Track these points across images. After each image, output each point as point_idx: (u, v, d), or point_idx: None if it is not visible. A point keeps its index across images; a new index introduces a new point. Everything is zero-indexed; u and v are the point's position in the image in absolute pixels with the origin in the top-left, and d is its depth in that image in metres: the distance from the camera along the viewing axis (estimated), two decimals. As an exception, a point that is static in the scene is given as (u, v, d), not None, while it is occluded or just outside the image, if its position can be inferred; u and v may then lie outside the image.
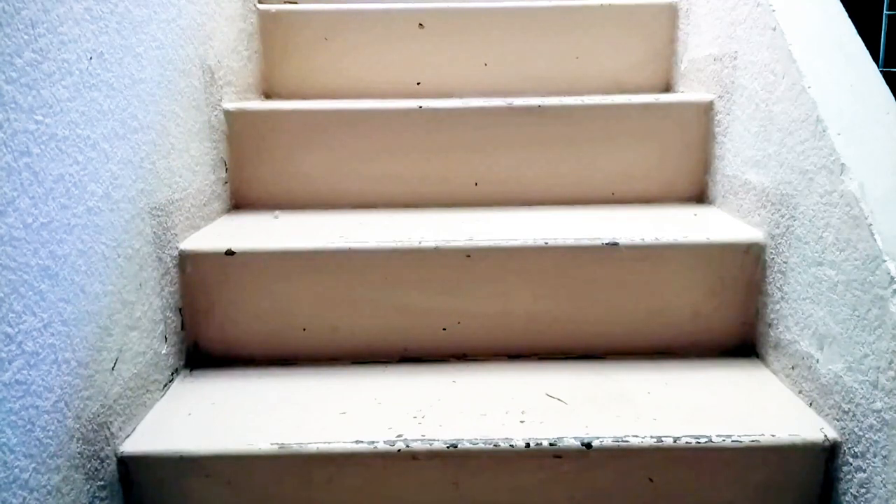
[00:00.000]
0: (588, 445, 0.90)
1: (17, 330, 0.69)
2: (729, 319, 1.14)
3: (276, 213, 1.34)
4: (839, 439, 0.90)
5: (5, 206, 0.67)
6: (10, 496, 0.68)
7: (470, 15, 1.58)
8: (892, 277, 0.81)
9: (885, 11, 1.90)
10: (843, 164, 0.91)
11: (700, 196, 1.38)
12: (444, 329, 1.13)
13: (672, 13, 1.55)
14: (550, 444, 0.90)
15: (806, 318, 0.99)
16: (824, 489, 0.92)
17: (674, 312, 1.13)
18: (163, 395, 1.02)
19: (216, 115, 1.30)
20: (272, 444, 0.90)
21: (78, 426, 0.80)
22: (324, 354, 1.13)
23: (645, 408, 0.98)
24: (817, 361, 0.96)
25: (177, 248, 1.09)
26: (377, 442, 0.90)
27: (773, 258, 1.09)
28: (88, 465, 0.82)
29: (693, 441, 0.90)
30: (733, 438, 0.90)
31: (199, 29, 1.21)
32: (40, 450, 0.73)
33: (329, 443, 0.90)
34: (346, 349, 1.13)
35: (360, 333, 1.13)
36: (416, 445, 0.90)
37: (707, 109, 1.35)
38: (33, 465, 0.71)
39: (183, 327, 1.11)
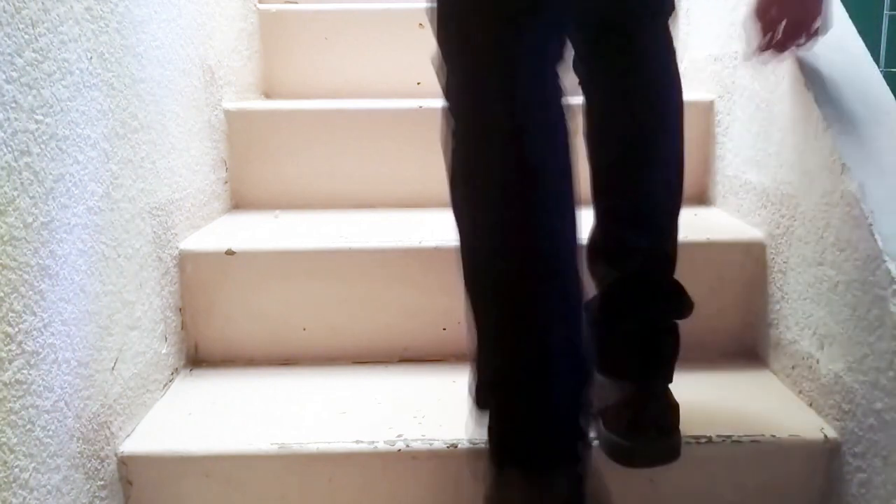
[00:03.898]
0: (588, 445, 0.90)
1: (16, 329, 0.69)
2: (729, 319, 1.14)
3: (276, 212, 1.34)
4: (839, 439, 0.90)
5: (5, 206, 0.67)
6: (10, 496, 0.68)
7: (470, 15, 1.58)
8: (893, 277, 0.81)
9: (885, 11, 1.90)
10: (843, 165, 0.91)
11: (700, 196, 1.38)
12: (444, 329, 1.13)
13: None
14: (550, 444, 0.90)
15: (806, 318, 0.99)
16: (824, 489, 0.92)
17: (674, 312, 1.13)
18: (163, 395, 1.02)
19: (216, 115, 1.30)
20: (272, 444, 0.90)
21: (78, 426, 0.80)
22: (324, 354, 1.13)
23: (645, 408, 0.98)
24: (817, 361, 0.96)
25: (177, 247, 1.09)
26: (377, 442, 0.90)
27: (774, 258, 1.09)
28: (88, 465, 0.82)
29: (693, 441, 0.90)
30: (733, 438, 0.90)
31: (199, 28, 1.21)
32: (40, 449, 0.72)
33: (329, 443, 0.90)
34: (346, 349, 1.13)
35: (360, 333, 1.13)
36: (416, 445, 0.90)
37: (707, 109, 1.35)
38: (33, 464, 0.71)
39: (183, 327, 1.11)
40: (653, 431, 0.83)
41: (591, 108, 0.89)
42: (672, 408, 0.84)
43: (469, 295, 0.75)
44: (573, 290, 0.74)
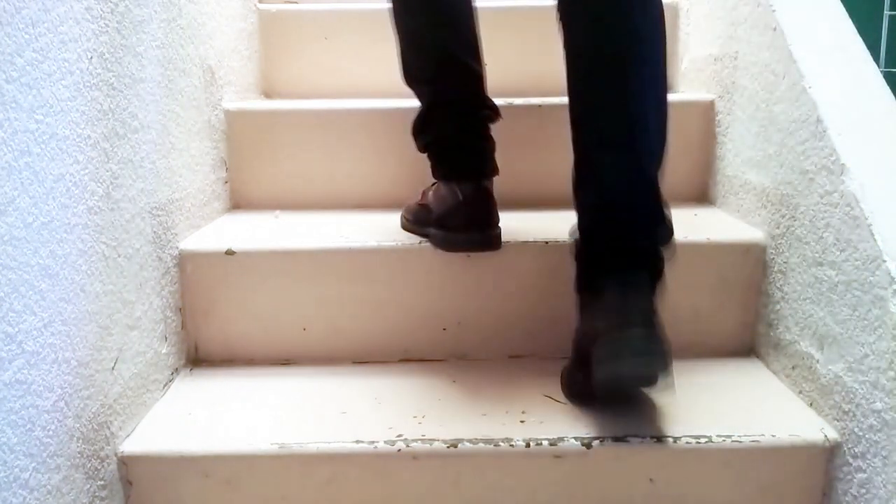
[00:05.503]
0: (588, 445, 0.90)
1: (17, 329, 0.69)
2: (729, 320, 1.14)
3: (276, 212, 1.34)
4: (839, 439, 0.90)
5: (6, 206, 0.67)
6: (10, 495, 0.68)
7: (470, 15, 1.57)
8: (893, 278, 0.81)
9: (885, 12, 1.90)
10: (843, 165, 0.91)
11: (700, 196, 1.38)
12: (444, 329, 1.13)
13: (672, 13, 1.55)
14: (550, 444, 0.90)
15: (806, 318, 0.99)
16: (824, 489, 0.92)
17: (674, 313, 1.13)
18: (163, 395, 1.02)
19: (216, 115, 1.30)
20: (272, 444, 0.90)
21: (78, 426, 0.80)
22: (324, 354, 1.13)
23: (645, 408, 0.98)
24: (817, 362, 0.96)
25: (177, 247, 1.09)
26: (377, 442, 0.90)
27: (774, 258, 1.09)
28: (88, 465, 0.82)
29: (693, 441, 0.90)
30: (733, 438, 0.90)
31: (199, 28, 1.21)
32: (40, 449, 0.73)
33: (329, 443, 0.90)
34: (346, 349, 1.13)
35: (360, 333, 1.13)
36: (416, 445, 0.90)
37: (707, 109, 1.35)
38: (33, 464, 0.71)
39: (183, 327, 1.11)
40: (638, 317, 0.85)
41: (568, 40, 0.93)
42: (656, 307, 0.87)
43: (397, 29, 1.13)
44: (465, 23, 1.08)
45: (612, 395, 0.94)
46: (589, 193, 0.93)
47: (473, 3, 1.10)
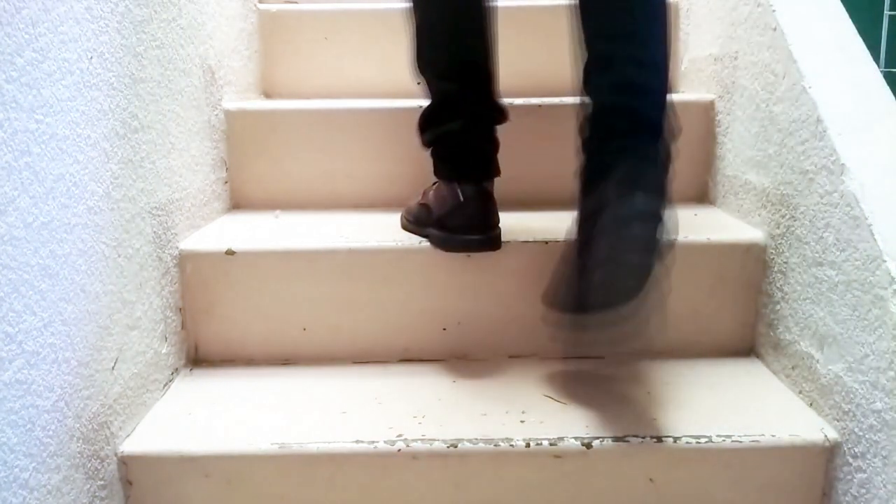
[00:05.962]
0: (588, 445, 0.90)
1: (17, 329, 0.69)
2: (729, 320, 1.14)
3: (277, 212, 1.34)
4: (839, 439, 0.90)
5: (6, 206, 0.67)
6: (10, 495, 0.68)
7: (470, 15, 1.57)
8: (893, 277, 0.81)
9: (885, 11, 1.90)
10: (843, 165, 0.92)
11: (700, 196, 1.38)
12: (444, 329, 1.13)
13: (673, 13, 1.55)
14: (550, 444, 0.90)
15: (806, 318, 0.99)
16: (824, 489, 0.92)
17: (674, 312, 1.13)
18: (163, 395, 1.02)
19: (216, 115, 1.30)
20: (272, 443, 0.90)
21: (78, 425, 0.80)
22: (324, 354, 1.13)
23: (645, 408, 0.98)
24: (817, 362, 0.96)
25: (177, 247, 1.09)
26: (377, 442, 0.90)
27: (774, 258, 1.09)
28: (88, 465, 0.82)
29: (693, 441, 0.90)
30: (733, 438, 0.90)
31: (199, 28, 1.21)
32: (40, 449, 0.73)
33: (329, 443, 0.90)
34: (346, 349, 1.13)
35: (360, 333, 1.13)
36: (416, 445, 0.90)
37: (707, 109, 1.35)
38: (33, 464, 0.71)
39: (183, 327, 1.11)
40: (648, 184, 0.87)
41: None
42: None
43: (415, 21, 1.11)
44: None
45: (612, 277, 0.86)
46: (598, 78, 0.95)
47: (492, 3, 1.10)
